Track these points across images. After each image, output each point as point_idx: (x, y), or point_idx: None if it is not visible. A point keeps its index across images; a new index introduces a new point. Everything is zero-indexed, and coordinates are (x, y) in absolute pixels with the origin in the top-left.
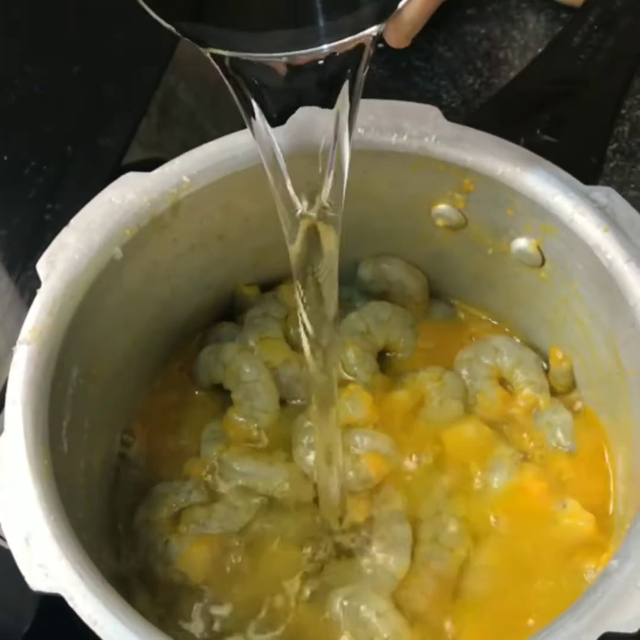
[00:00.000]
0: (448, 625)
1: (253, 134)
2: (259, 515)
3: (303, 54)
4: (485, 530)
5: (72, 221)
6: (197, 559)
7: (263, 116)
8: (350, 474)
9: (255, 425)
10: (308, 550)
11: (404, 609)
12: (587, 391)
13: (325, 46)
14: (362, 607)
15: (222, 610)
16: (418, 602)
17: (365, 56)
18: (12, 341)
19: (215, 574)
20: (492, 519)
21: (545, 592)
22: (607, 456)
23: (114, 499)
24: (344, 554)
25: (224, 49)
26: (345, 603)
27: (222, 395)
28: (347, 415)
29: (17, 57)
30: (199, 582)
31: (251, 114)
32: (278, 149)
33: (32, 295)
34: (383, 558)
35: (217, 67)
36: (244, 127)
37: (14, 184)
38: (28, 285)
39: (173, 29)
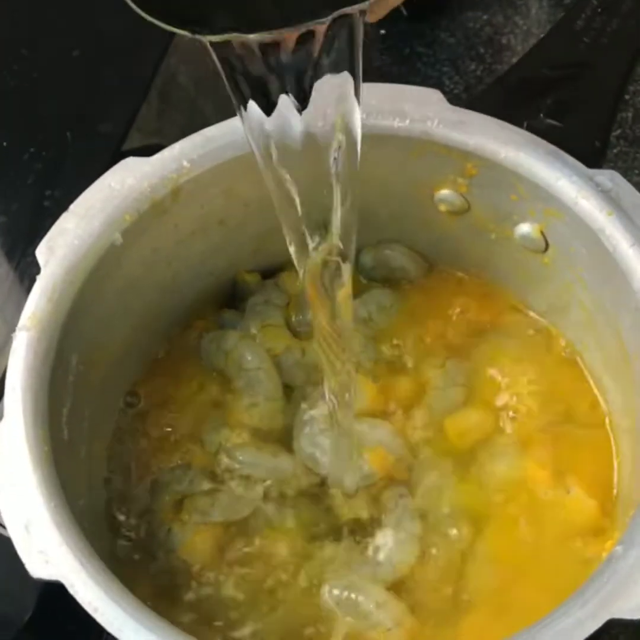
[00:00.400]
0: (450, 611)
1: (248, 129)
2: (261, 504)
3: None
4: (488, 517)
5: (72, 206)
6: (199, 547)
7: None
8: (350, 468)
9: (258, 413)
10: (310, 540)
11: (404, 597)
12: (591, 375)
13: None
14: (360, 598)
15: (223, 598)
16: (419, 590)
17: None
18: (11, 328)
19: (217, 562)
20: (495, 506)
21: (548, 578)
22: (612, 440)
23: (115, 487)
24: (348, 545)
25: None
26: (344, 594)
27: (223, 383)
28: None
29: (15, 42)
30: (201, 569)
31: (245, 103)
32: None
33: (32, 281)
34: (388, 553)
35: (213, 52)
36: None
37: (12, 170)
38: (27, 272)
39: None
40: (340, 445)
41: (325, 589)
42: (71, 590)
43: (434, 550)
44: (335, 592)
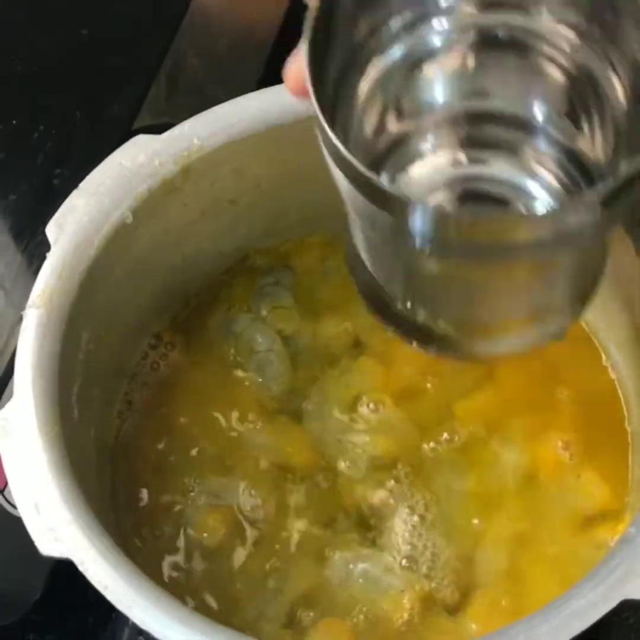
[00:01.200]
0: (460, 595)
1: None
2: (273, 485)
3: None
4: (499, 502)
5: (82, 184)
6: (212, 530)
7: None
8: (359, 451)
9: (269, 395)
10: (319, 521)
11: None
12: (605, 354)
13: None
14: (368, 566)
15: (233, 577)
16: (428, 574)
17: None
18: (21, 308)
19: (229, 543)
20: (506, 490)
21: (559, 562)
22: (626, 422)
23: (126, 468)
24: (356, 526)
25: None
26: (352, 565)
27: (233, 364)
28: (358, 387)
29: (25, 23)
30: (213, 551)
31: None
32: None
33: (41, 262)
34: (395, 535)
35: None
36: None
37: (22, 149)
38: (36, 252)
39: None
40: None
41: (334, 561)
42: (81, 568)
43: (443, 533)
44: (344, 563)
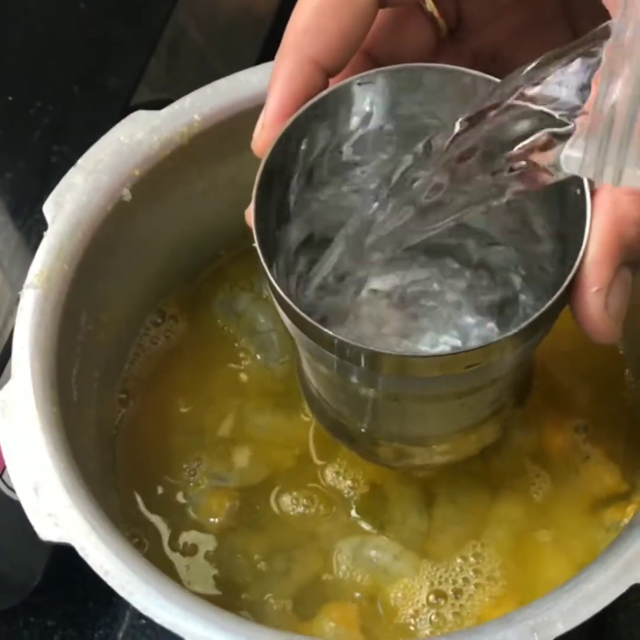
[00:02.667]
0: (466, 579)
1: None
2: (277, 467)
3: None
4: (509, 484)
5: (80, 161)
6: (215, 512)
7: None
8: None
9: (271, 375)
10: (327, 504)
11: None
12: None
13: None
14: (376, 553)
15: (236, 561)
16: (433, 557)
17: None
18: (18, 288)
19: (233, 526)
20: (515, 472)
21: (569, 544)
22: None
23: (126, 450)
24: (363, 510)
25: None
26: (359, 552)
27: (235, 344)
28: None
29: None
30: (216, 534)
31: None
32: None
33: (39, 240)
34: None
35: None
36: (255, 65)
37: (18, 126)
38: (34, 230)
39: None
40: None
41: (341, 546)
42: (82, 553)
43: (449, 528)
44: (350, 551)
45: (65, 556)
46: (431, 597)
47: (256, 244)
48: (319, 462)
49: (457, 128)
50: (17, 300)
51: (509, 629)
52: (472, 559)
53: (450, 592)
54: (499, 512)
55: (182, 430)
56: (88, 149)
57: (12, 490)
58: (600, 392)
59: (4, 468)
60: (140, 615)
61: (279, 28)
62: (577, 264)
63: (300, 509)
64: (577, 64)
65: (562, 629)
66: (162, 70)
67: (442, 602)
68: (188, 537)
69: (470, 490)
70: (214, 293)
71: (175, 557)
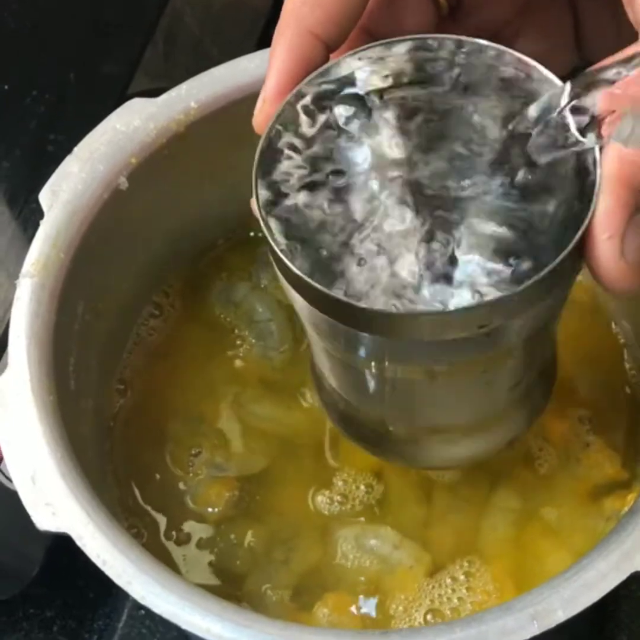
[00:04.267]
0: (467, 565)
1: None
2: (276, 456)
3: None
4: (508, 472)
5: (76, 149)
6: (215, 502)
7: None
8: None
9: (270, 365)
10: (325, 493)
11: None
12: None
13: None
14: (376, 543)
15: (235, 551)
16: (433, 545)
17: None
18: (14, 277)
19: (232, 516)
20: (514, 460)
21: (568, 532)
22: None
23: (124, 440)
24: (362, 499)
25: None
26: (359, 542)
27: (233, 334)
28: None
29: None
30: (215, 524)
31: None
32: None
33: (35, 229)
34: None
35: None
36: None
37: (14, 114)
38: (30, 219)
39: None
40: None
41: (340, 535)
42: (79, 543)
43: (449, 517)
44: (350, 540)
45: (64, 546)
46: (429, 581)
47: (259, 219)
48: (318, 451)
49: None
50: (14, 289)
51: (508, 617)
52: (471, 547)
53: (448, 581)
54: (498, 501)
55: (181, 419)
56: (84, 137)
57: (11, 480)
58: (600, 380)
59: (2, 459)
60: (140, 606)
61: (275, 15)
62: (589, 213)
63: (300, 499)
64: None
65: (562, 616)
66: (159, 58)
67: (442, 590)
68: (187, 527)
69: (470, 479)
70: (212, 282)
71: (173, 547)
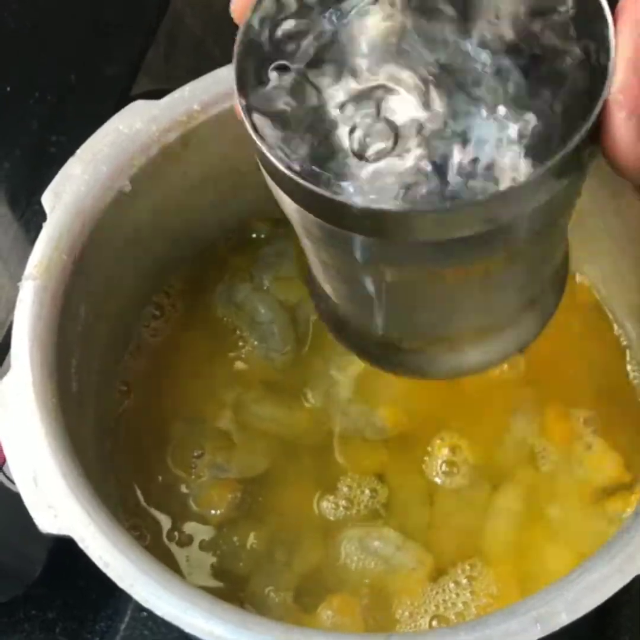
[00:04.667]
0: (468, 568)
1: None
2: (277, 458)
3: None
4: (511, 474)
5: (78, 151)
6: (217, 504)
7: None
8: (365, 421)
9: (272, 366)
10: (325, 496)
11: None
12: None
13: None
14: (379, 544)
15: (238, 552)
16: (436, 547)
17: None
18: (17, 279)
19: (234, 518)
20: (514, 463)
21: (571, 535)
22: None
23: (126, 442)
24: (365, 500)
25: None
26: (363, 543)
27: (234, 335)
28: None
29: None
30: (217, 525)
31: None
32: None
33: (37, 231)
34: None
35: None
36: None
37: (16, 116)
38: (33, 221)
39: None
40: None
41: (343, 536)
42: (81, 545)
43: (451, 519)
44: (353, 541)
45: (66, 548)
46: (433, 587)
47: (243, 118)
48: (320, 453)
49: None
50: (17, 291)
51: (512, 620)
52: (474, 550)
53: (452, 585)
54: (501, 503)
55: (182, 421)
56: (86, 139)
57: (13, 482)
58: (603, 382)
59: (5, 461)
60: (142, 608)
61: None
62: (605, 91)
63: (302, 500)
64: None
65: (565, 619)
66: (161, 59)
67: (446, 592)
68: (189, 528)
69: (472, 481)
70: (214, 284)
71: (176, 549)
